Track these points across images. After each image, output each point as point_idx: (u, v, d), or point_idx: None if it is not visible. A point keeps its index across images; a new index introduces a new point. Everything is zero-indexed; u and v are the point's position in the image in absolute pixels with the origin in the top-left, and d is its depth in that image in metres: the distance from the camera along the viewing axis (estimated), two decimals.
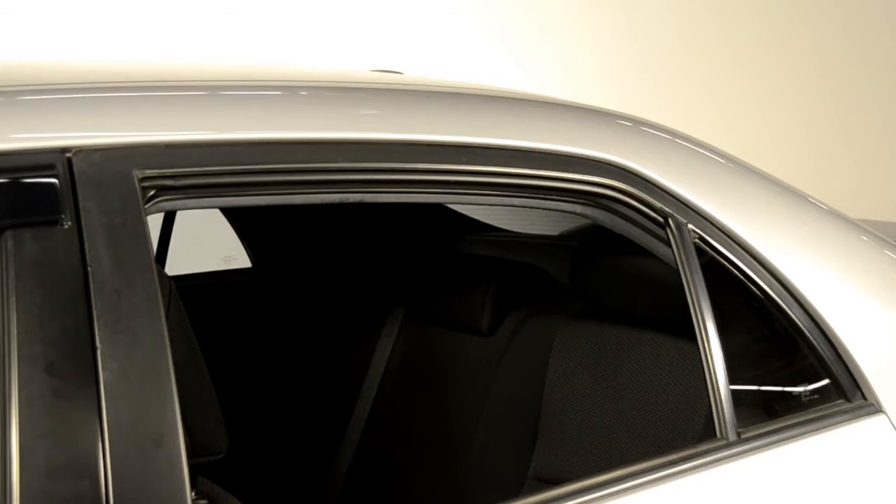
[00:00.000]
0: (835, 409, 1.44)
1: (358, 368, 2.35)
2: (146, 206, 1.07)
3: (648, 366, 1.78)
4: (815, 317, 1.45)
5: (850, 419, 1.44)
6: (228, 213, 2.48)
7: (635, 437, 1.76)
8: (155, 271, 1.05)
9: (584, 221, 1.65)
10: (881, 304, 1.53)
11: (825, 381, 1.46)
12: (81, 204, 1.03)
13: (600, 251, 1.84)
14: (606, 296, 1.87)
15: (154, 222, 1.94)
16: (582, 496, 1.24)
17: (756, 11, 4.81)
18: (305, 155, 1.20)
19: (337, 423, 2.34)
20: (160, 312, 1.03)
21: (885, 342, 1.50)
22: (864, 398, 1.46)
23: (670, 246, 1.39)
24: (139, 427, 0.99)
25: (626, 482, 1.27)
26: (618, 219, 1.41)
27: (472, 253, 2.46)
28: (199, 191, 1.14)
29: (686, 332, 1.43)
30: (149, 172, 1.08)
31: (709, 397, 1.36)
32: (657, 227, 1.41)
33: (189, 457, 1.02)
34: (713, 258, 1.42)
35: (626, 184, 1.39)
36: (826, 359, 1.45)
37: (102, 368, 0.98)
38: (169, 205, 1.12)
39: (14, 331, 0.97)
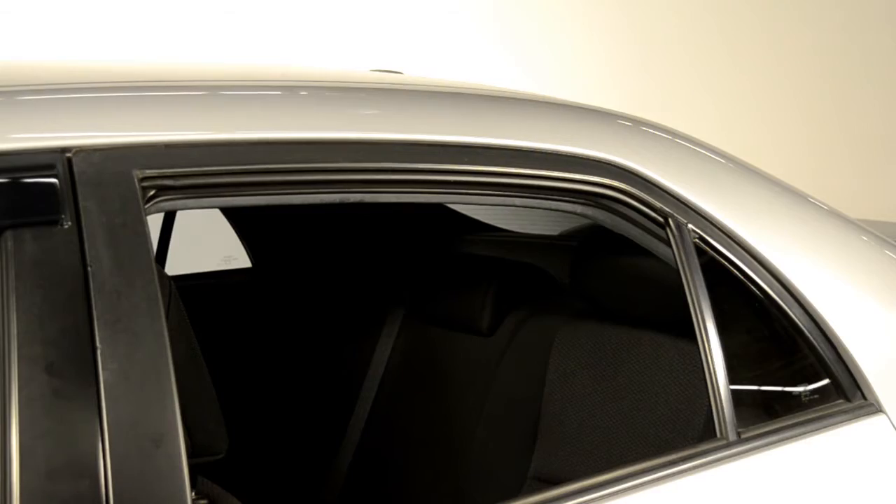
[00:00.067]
0: (835, 409, 1.44)
1: (358, 368, 2.35)
2: (146, 206, 1.07)
3: (648, 366, 1.78)
4: (815, 317, 1.45)
5: (850, 419, 1.44)
6: (228, 213, 2.48)
7: (635, 437, 1.76)
8: (155, 271, 1.04)
9: (584, 221, 1.66)
10: (881, 304, 1.53)
11: (825, 381, 1.46)
12: (81, 204, 1.03)
13: (600, 251, 1.84)
14: (606, 296, 1.87)
15: (154, 222, 1.94)
16: (582, 496, 1.24)
17: (756, 11, 4.80)
18: (305, 155, 1.20)
19: (337, 423, 2.34)
20: (160, 312, 1.03)
21: (885, 342, 1.50)
22: (864, 398, 1.46)
23: (670, 246, 1.39)
24: (139, 427, 0.99)
25: (626, 482, 1.26)
26: (618, 219, 1.41)
27: (472, 253, 2.46)
28: (198, 191, 1.14)
29: (686, 332, 1.43)
30: (149, 172, 1.08)
31: (709, 397, 1.36)
32: (657, 227, 1.41)
33: (189, 457, 1.02)
34: (713, 258, 1.42)
35: (627, 184, 1.39)
36: (826, 359, 1.45)
37: (102, 368, 0.98)
38: (169, 205, 1.12)
39: (14, 331, 0.96)
